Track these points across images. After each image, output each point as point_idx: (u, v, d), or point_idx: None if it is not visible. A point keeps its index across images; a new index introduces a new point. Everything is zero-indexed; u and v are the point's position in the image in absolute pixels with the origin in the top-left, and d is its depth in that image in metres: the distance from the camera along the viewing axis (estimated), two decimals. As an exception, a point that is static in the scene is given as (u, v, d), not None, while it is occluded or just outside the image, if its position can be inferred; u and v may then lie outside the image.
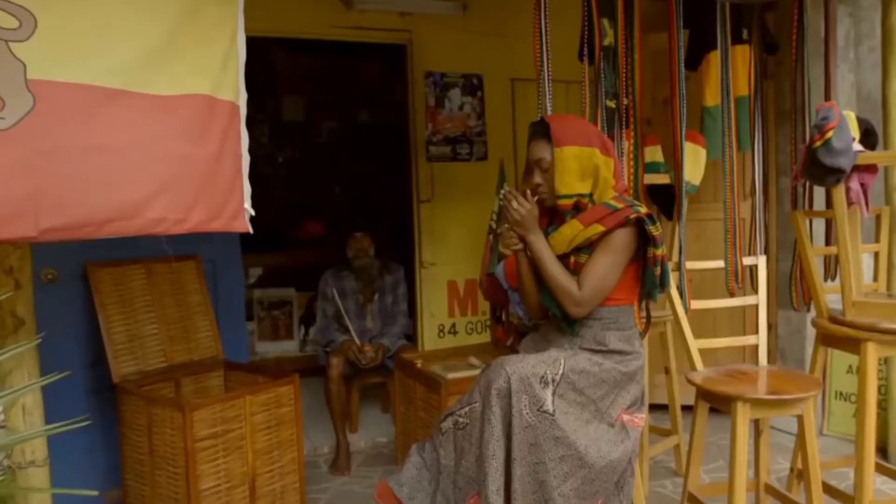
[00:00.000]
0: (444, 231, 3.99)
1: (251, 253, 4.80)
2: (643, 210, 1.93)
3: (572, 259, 1.99)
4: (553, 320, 2.05)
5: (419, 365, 2.74)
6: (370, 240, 3.68)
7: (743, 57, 2.88)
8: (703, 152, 2.86)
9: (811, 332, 3.68)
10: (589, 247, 1.96)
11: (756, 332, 2.52)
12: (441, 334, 4.02)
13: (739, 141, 2.90)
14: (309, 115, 6.37)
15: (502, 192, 1.99)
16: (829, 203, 2.94)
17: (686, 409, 3.31)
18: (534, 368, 1.84)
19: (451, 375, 2.55)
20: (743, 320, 3.73)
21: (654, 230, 1.92)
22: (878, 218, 2.68)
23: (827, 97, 2.89)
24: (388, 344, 3.56)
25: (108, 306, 2.74)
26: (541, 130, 2.00)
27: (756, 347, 2.59)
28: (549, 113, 2.30)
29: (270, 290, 5.01)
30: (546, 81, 2.38)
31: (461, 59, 3.95)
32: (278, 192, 6.12)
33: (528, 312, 2.20)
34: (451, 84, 3.95)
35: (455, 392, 2.53)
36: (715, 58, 2.89)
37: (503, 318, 3.37)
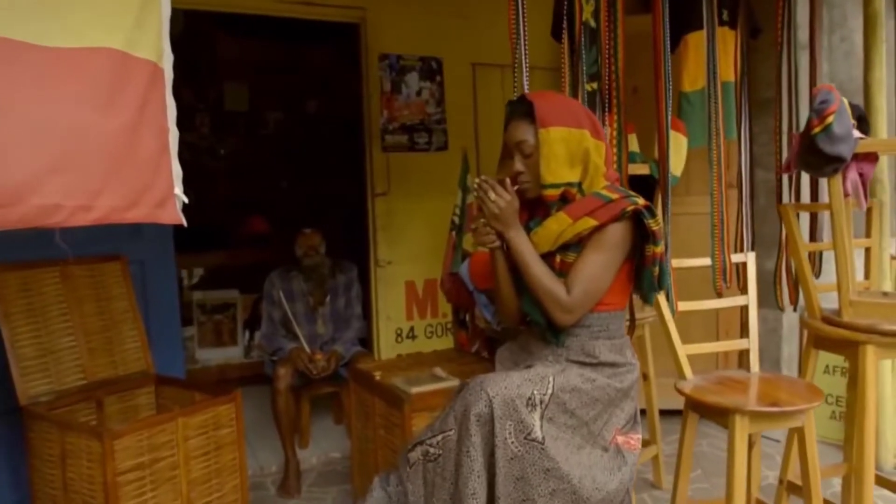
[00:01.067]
0: (401, 227, 3.72)
1: (190, 252, 4.54)
2: (641, 201, 1.68)
3: (558, 258, 1.73)
4: (534, 328, 1.78)
5: (378, 377, 2.45)
6: (321, 237, 3.37)
7: (725, 40, 2.67)
8: (684, 141, 2.65)
9: (787, 332, 3.54)
10: (578, 244, 1.70)
11: (740, 334, 2.33)
12: (399, 339, 3.73)
13: (725, 129, 2.70)
14: (253, 104, 6.05)
15: (477, 181, 1.72)
16: (814, 195, 2.77)
17: (664, 414, 3.12)
18: (519, 389, 1.57)
19: (415, 390, 2.27)
20: (716, 322, 3.56)
21: (654, 224, 1.68)
22: (868, 212, 2.51)
23: (812, 85, 2.70)
24: (342, 351, 3.26)
25: (14, 316, 2.35)
26: (522, 109, 1.73)
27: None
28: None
29: (212, 291, 4.66)
30: (524, 65, 2.12)
31: (419, 41, 3.69)
32: (221, 187, 5.84)
33: (505, 318, 1.93)
34: (408, 68, 3.67)
35: (420, 408, 2.24)
36: (693, 40, 2.69)
37: (467, 321, 3.10)
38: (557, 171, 1.69)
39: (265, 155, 5.98)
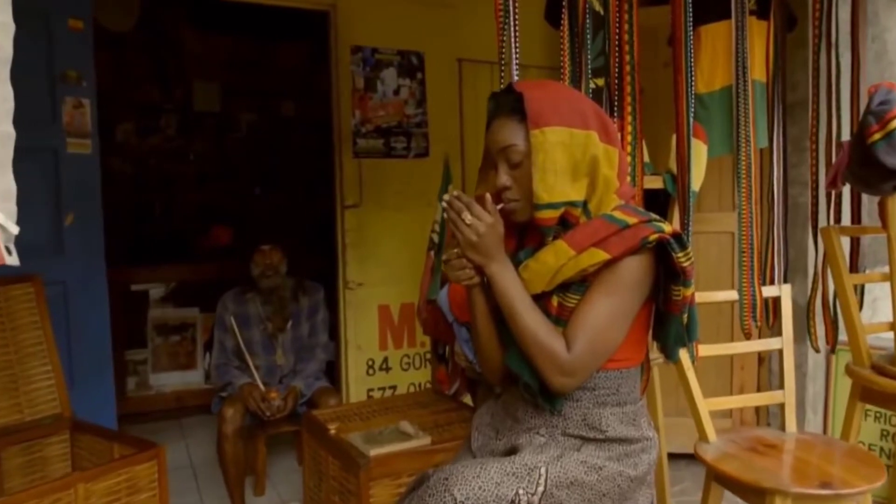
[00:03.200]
0: (374, 243, 3.29)
1: (148, 266, 4.24)
2: (667, 228, 1.25)
3: (556, 301, 1.30)
4: (524, 390, 1.35)
5: (333, 431, 2.01)
6: (281, 254, 2.94)
7: (753, 32, 2.25)
8: (704, 149, 2.23)
9: (813, 369, 3.11)
10: (582, 282, 1.27)
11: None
12: (370, 371, 3.29)
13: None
14: (225, 105, 5.62)
15: (447, 197, 1.28)
16: (856, 216, 2.35)
17: (672, 458, 2.70)
18: (499, 489, 1.14)
19: (374, 452, 1.83)
20: (730, 362, 3.12)
21: (685, 259, 1.25)
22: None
23: (854, 86, 2.29)
24: (302, 387, 2.83)
25: None
26: (508, 103, 1.30)
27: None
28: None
29: (169, 310, 4.22)
30: (513, 62, 1.72)
31: (398, 33, 3.28)
32: (188, 194, 5.44)
33: (485, 373, 1.50)
34: (384, 62, 3.25)
35: (379, 475, 1.81)
36: (709, 32, 2.26)
37: (447, 355, 2.67)
38: (556, 185, 1.26)
39: (238, 160, 5.60)
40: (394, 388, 3.31)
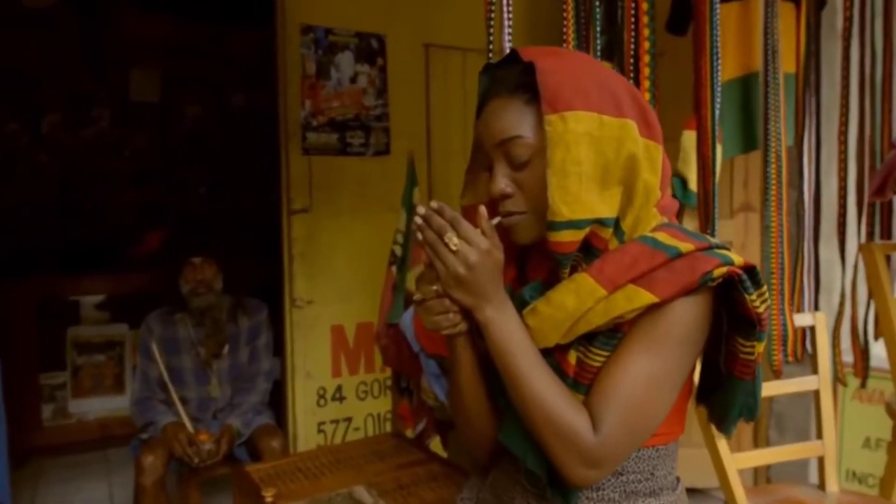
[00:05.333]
0: (326, 255, 2.89)
1: (70, 275, 3.84)
2: (736, 259, 0.88)
3: (574, 358, 0.92)
4: (527, 479, 0.97)
5: (269, 500, 1.58)
6: (216, 268, 2.52)
7: (777, 14, 1.92)
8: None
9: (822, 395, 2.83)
10: (613, 332, 0.90)
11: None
12: (321, 401, 2.87)
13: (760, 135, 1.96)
14: (166, 95, 5.19)
15: (422, 210, 0.88)
16: (886, 229, 2.03)
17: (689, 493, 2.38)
18: None
19: (320, 534, 1.42)
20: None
21: (759, 302, 0.88)
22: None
23: (888, 79, 1.96)
24: (239, 425, 2.42)
25: None
26: (511, 78, 0.92)
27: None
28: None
29: (91, 327, 3.75)
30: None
31: (356, 12, 2.90)
32: (124, 195, 4.99)
33: (470, 447, 1.11)
34: (339, 45, 2.86)
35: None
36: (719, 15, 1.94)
37: (410, 387, 2.28)
38: (580, 195, 0.87)
39: (180, 156, 5.17)
40: (349, 420, 2.90)
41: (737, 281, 0.86)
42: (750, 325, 0.89)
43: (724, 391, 0.97)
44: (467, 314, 0.91)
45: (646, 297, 0.86)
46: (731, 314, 0.91)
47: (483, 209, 0.87)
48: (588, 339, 0.91)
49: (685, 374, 0.92)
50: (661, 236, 0.91)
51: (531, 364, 0.89)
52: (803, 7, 1.83)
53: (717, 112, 1.57)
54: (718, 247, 0.90)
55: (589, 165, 0.87)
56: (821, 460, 1.65)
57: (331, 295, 2.86)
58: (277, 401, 2.81)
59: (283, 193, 2.82)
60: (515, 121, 0.89)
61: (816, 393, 1.66)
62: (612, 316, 0.87)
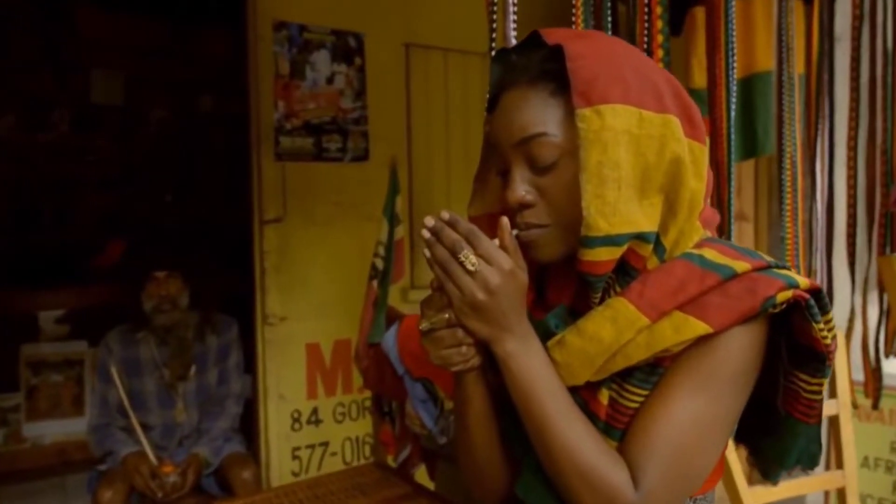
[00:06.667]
0: (301, 268, 2.73)
1: (25, 288, 3.66)
2: (802, 282, 0.74)
3: (605, 397, 0.78)
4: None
5: (240, 546, 1.41)
6: (181, 282, 2.34)
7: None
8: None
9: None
10: (652, 368, 0.76)
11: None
12: (296, 425, 2.69)
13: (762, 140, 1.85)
14: (130, 98, 5.00)
15: (431, 221, 0.73)
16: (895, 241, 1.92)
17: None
18: None
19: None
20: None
21: (827, 330, 0.74)
22: None
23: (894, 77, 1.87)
24: (207, 455, 2.25)
25: None
26: (533, 65, 0.77)
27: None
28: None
29: (48, 344, 3.54)
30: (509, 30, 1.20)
31: (332, 8, 2.76)
32: (85, 202, 4.80)
33: (477, 494, 0.96)
34: (315, 44, 2.71)
35: None
36: (704, 14, 1.83)
37: (393, 411, 2.11)
38: (618, 205, 0.73)
39: (145, 162, 4.99)
40: (325, 444, 2.73)
41: (803, 307, 0.73)
42: (815, 359, 0.76)
43: (779, 434, 0.83)
44: (482, 346, 0.76)
45: (698, 328, 0.72)
46: (791, 345, 0.77)
47: (505, 220, 0.73)
48: (623, 376, 0.77)
49: (737, 416, 0.78)
50: (709, 253, 0.77)
51: (561, 407, 0.74)
52: (815, 4, 1.72)
53: (732, 115, 1.44)
54: (777, 266, 0.76)
55: (628, 170, 0.73)
56: (841, 492, 1.52)
57: (306, 311, 2.69)
58: (248, 425, 2.63)
59: (255, 202, 2.66)
60: (538, 116, 0.75)
61: (834, 419, 1.54)
62: (657, 350, 0.73)
